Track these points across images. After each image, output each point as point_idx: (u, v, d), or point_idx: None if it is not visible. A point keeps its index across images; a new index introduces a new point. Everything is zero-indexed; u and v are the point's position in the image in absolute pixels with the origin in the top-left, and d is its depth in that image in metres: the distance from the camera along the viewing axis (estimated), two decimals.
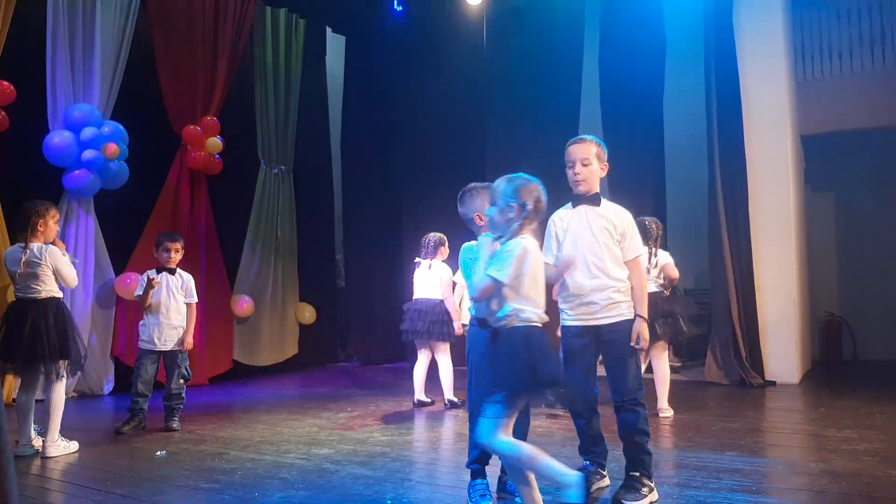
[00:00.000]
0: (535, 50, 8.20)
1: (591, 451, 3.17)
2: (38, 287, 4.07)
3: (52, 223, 4.22)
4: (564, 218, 3.18)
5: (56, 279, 4.15)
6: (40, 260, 4.07)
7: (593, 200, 3.14)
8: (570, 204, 3.21)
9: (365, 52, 9.78)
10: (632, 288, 3.11)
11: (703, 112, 7.27)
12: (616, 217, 3.14)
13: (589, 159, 3.10)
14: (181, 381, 4.94)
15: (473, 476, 3.09)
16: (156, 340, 4.90)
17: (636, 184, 7.26)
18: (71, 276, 4.22)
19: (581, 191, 3.13)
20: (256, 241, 8.47)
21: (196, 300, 5.11)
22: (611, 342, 3.07)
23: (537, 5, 8.31)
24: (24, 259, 4.03)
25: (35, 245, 4.11)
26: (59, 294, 4.20)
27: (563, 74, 7.99)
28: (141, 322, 5.03)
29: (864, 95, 8.49)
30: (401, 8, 9.57)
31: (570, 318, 3.12)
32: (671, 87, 7.77)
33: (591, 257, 3.07)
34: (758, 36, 7.23)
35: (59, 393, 4.11)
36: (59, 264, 4.14)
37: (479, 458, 3.09)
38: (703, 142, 7.28)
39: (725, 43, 7.13)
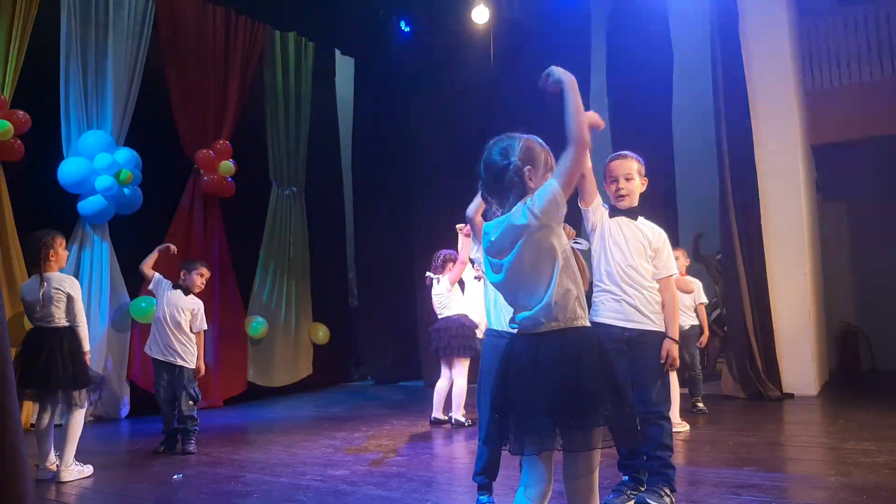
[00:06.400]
0: (542, 67, 8.21)
1: (628, 464, 3.14)
2: (55, 316, 4.12)
3: (61, 251, 4.27)
4: (603, 215, 3.15)
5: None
6: (61, 289, 4.13)
7: (631, 214, 3.16)
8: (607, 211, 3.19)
9: (373, 73, 9.87)
10: (663, 307, 3.09)
11: (713, 124, 7.28)
12: (652, 234, 3.16)
13: (632, 174, 3.16)
14: (190, 402, 4.95)
15: (480, 490, 3.07)
16: (163, 349, 4.94)
17: (647, 197, 7.24)
18: (82, 315, 4.22)
19: (623, 206, 3.16)
20: (269, 262, 8.53)
21: (205, 328, 5.15)
22: (640, 351, 3.03)
23: (543, 23, 8.38)
24: (42, 291, 4.08)
25: (55, 275, 4.17)
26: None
27: None
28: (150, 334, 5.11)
29: (873, 104, 8.46)
30: (408, 29, 9.67)
31: (602, 314, 3.06)
32: (679, 100, 7.79)
33: (623, 270, 3.06)
34: (765, 46, 7.24)
35: (78, 419, 4.14)
36: (76, 299, 4.18)
37: (484, 470, 3.07)
38: (714, 154, 7.27)
39: (732, 54, 7.14)
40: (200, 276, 5.07)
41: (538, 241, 1.99)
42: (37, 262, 4.16)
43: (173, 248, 5.25)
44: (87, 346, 4.28)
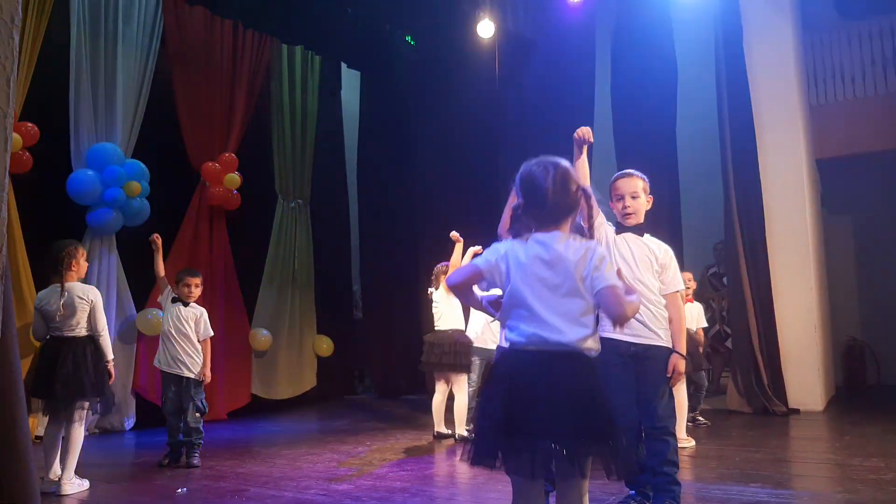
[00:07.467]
0: (546, 81, 8.28)
1: (636, 479, 3.14)
2: (77, 325, 4.15)
3: (82, 261, 4.32)
4: (608, 232, 3.20)
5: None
6: (85, 298, 4.16)
7: (637, 231, 3.21)
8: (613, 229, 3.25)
9: (379, 86, 9.93)
10: (670, 321, 3.12)
11: (717, 138, 7.29)
12: (658, 250, 3.20)
13: (638, 192, 3.21)
14: (197, 414, 4.94)
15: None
16: (170, 361, 4.95)
17: (651, 212, 7.25)
18: (103, 323, 4.27)
19: (630, 223, 3.21)
20: (274, 274, 8.54)
21: (211, 334, 5.16)
22: (646, 365, 3.05)
23: (548, 37, 8.42)
24: (63, 300, 4.10)
25: (76, 284, 4.19)
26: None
27: (574, 105, 8.06)
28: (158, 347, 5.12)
29: (878, 118, 8.48)
30: (414, 43, 9.74)
31: (609, 328, 2.93)
32: (684, 115, 7.81)
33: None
34: (769, 61, 7.27)
35: (81, 431, 4.15)
36: (99, 308, 4.23)
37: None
38: (718, 168, 7.28)
39: (736, 69, 7.17)
40: (187, 287, 5.08)
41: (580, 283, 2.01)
42: (57, 271, 4.18)
43: (155, 239, 5.21)
44: (110, 355, 4.32)
